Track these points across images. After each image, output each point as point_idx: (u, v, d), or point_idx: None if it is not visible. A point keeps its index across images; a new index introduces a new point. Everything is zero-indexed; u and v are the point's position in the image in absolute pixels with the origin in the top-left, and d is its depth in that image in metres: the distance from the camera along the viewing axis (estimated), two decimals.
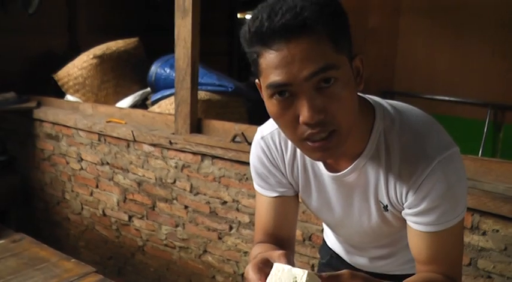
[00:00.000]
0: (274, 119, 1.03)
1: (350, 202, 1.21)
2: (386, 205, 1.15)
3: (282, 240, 1.27)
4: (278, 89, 0.95)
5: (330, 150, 1.00)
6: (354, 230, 1.29)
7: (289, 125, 0.99)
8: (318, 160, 1.15)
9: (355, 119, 1.02)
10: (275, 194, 1.27)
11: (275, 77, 0.94)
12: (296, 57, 0.91)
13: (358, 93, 1.05)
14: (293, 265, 0.92)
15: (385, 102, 1.14)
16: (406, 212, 1.12)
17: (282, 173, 1.26)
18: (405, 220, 1.15)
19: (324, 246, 1.63)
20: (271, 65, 0.93)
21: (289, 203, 1.29)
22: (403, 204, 1.12)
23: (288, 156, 1.23)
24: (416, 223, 1.11)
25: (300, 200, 1.32)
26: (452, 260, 1.14)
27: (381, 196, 1.14)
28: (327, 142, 0.98)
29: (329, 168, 1.18)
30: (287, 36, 0.90)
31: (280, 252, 0.96)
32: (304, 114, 0.94)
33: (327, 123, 0.96)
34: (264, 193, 1.28)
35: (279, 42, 0.91)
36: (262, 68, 0.96)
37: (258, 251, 1.21)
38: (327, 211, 1.28)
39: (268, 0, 0.95)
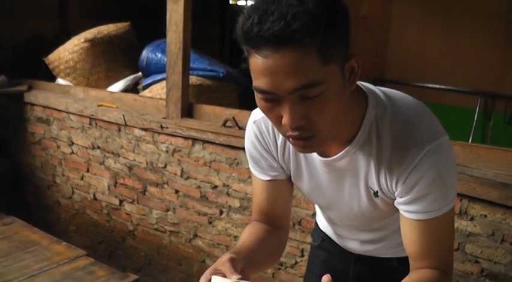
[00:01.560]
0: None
1: (341, 186, 1.22)
2: (377, 191, 1.16)
3: (276, 219, 1.33)
4: (263, 94, 0.97)
5: (309, 148, 1.05)
6: (344, 213, 1.31)
7: (274, 121, 1.02)
8: (301, 153, 1.19)
9: (342, 118, 1.05)
10: (267, 178, 1.30)
11: (260, 83, 0.95)
12: (280, 68, 0.91)
13: None
14: (238, 268, 1.01)
15: (377, 89, 1.15)
16: (398, 201, 1.14)
17: (274, 157, 1.27)
18: (395, 206, 1.16)
19: (316, 229, 1.64)
20: (257, 69, 0.94)
21: (281, 186, 1.32)
22: (394, 192, 1.13)
23: (280, 140, 1.24)
24: (408, 211, 1.12)
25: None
26: (444, 250, 1.16)
27: (371, 183, 1.16)
28: (308, 142, 1.02)
29: (320, 152, 1.19)
30: (274, 45, 0.89)
31: (224, 259, 1.02)
32: (285, 119, 0.97)
33: (306, 129, 0.99)
34: (258, 176, 1.32)
35: (267, 49, 0.91)
36: (251, 67, 0.96)
37: (246, 233, 1.27)
38: (317, 194, 1.30)
39: None
